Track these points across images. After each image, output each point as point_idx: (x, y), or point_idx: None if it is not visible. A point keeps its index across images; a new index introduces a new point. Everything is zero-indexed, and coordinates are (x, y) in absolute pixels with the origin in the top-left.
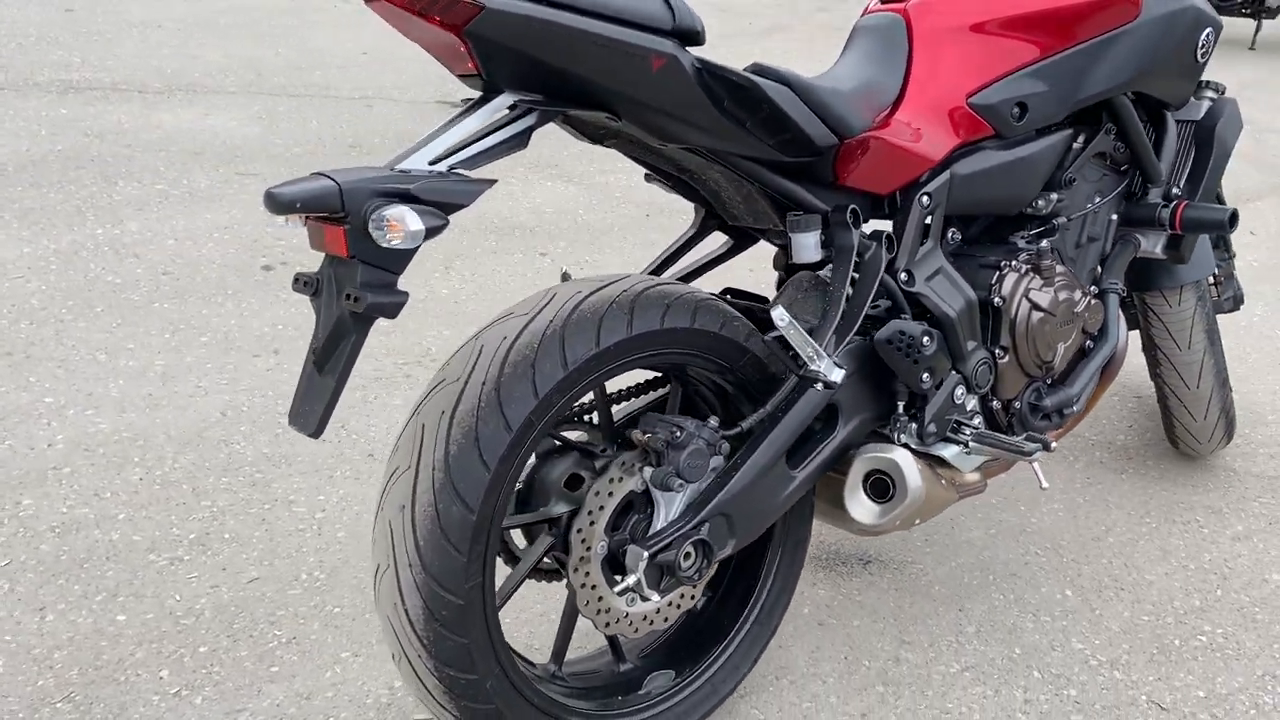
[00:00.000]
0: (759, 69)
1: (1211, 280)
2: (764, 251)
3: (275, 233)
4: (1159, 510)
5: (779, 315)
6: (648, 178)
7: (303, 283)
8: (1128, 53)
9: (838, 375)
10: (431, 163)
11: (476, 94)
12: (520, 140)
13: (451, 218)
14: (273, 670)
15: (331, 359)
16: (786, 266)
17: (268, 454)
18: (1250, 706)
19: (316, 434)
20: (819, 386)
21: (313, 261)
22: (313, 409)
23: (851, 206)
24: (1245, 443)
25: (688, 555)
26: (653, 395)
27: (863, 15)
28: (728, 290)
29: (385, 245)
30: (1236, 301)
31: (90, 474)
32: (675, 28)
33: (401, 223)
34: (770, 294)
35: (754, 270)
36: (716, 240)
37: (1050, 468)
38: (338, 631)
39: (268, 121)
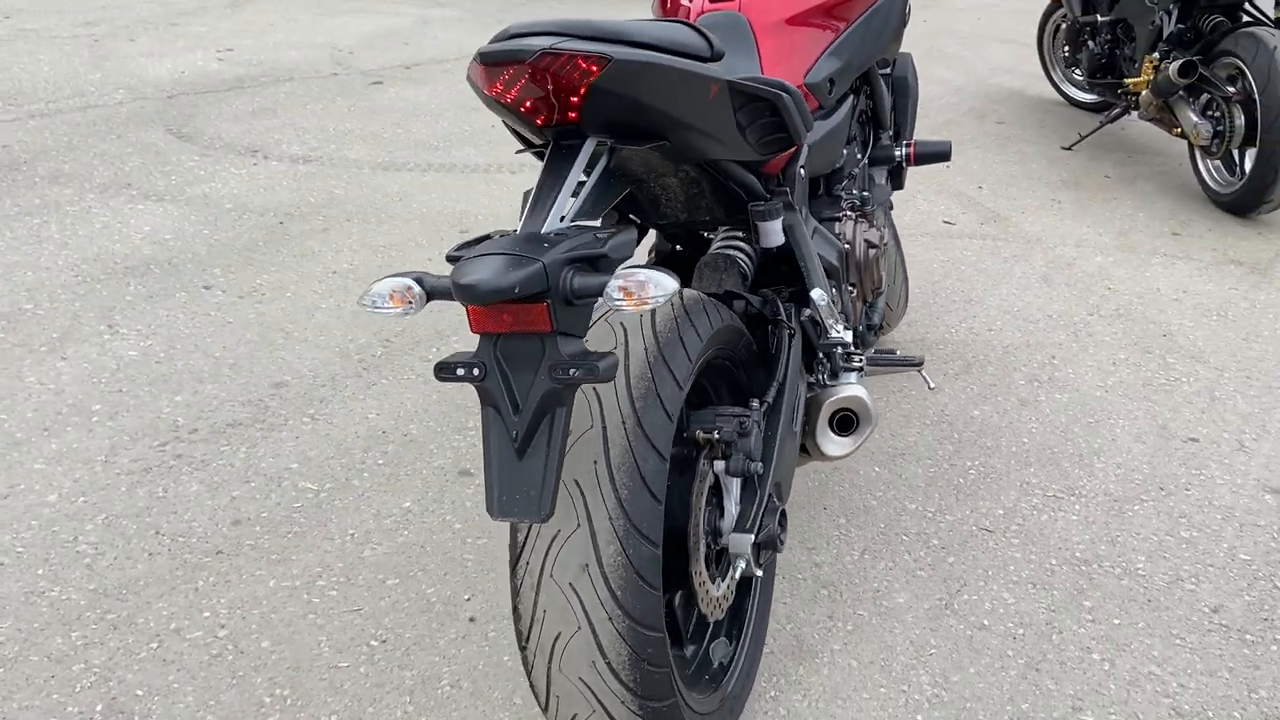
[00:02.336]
0: (756, 79)
1: None
2: None
3: None
4: (879, 385)
5: (819, 295)
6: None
7: (457, 369)
8: (881, 24)
9: (850, 337)
10: (561, 219)
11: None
12: (617, 183)
13: (69, 265)
14: None
15: (537, 437)
16: (671, 253)
17: (96, 589)
18: (1030, 510)
19: (549, 517)
20: (839, 350)
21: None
22: (533, 493)
23: (785, 187)
24: None
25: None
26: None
27: (698, 15)
28: None
29: (620, 309)
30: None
31: None
32: (713, 54)
33: (644, 287)
34: None
35: None
36: None
37: None
38: None
39: None
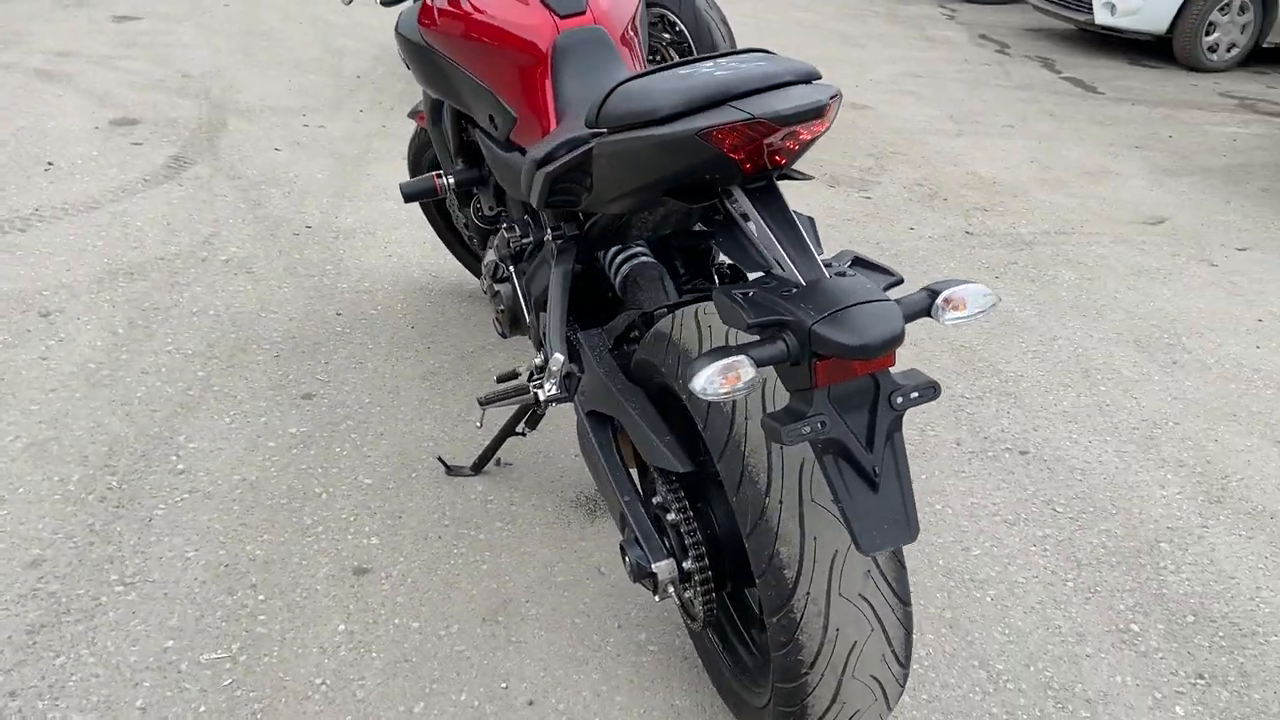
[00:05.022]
0: None
1: None
2: None
3: None
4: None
5: None
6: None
7: (803, 429)
8: (645, 24)
9: None
10: (826, 263)
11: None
12: (798, 213)
13: None
14: None
15: (886, 465)
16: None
17: None
18: None
19: (915, 536)
20: None
21: None
22: (898, 518)
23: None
24: None
25: None
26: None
27: (555, 33)
28: None
29: (948, 325)
30: None
31: None
32: None
33: (965, 301)
34: None
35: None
36: None
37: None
38: None
39: None
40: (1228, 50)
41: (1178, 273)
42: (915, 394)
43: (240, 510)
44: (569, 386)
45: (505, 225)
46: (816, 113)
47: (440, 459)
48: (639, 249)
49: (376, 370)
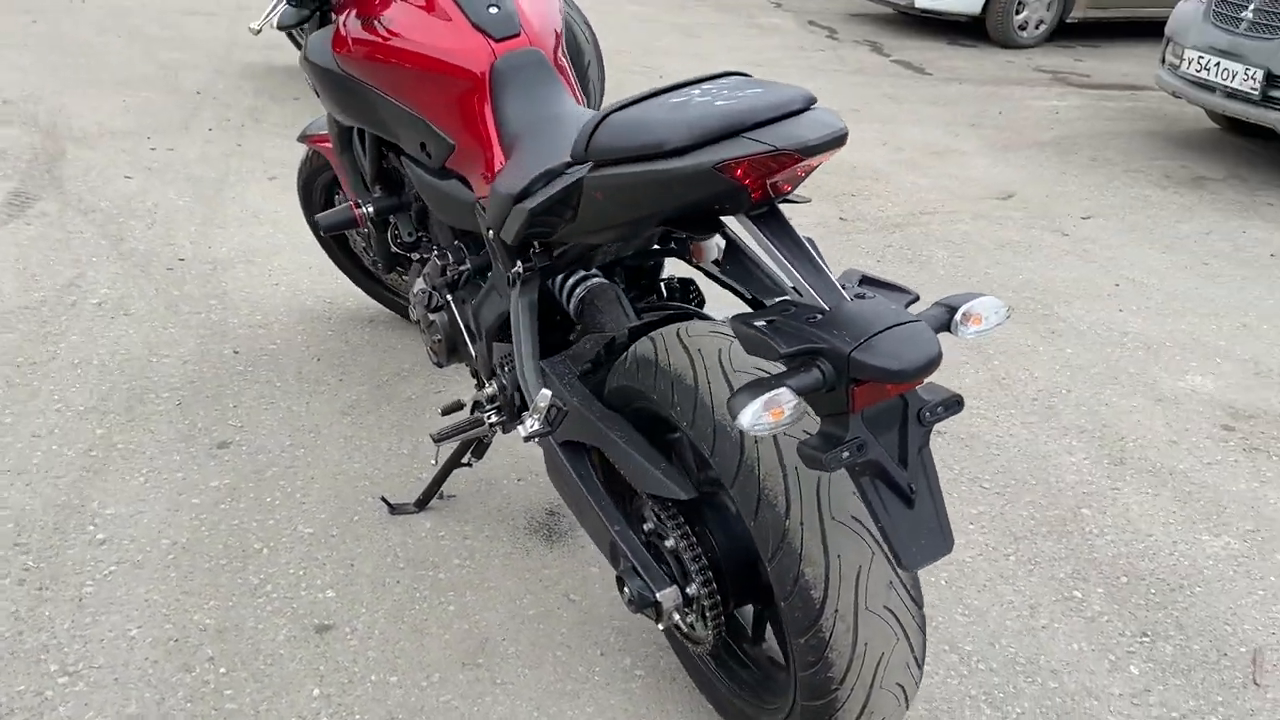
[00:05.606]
0: None
1: None
2: None
3: None
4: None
5: None
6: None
7: (844, 453)
8: None
9: None
10: (841, 284)
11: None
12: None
13: None
14: None
15: (919, 480)
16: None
17: None
18: None
19: (952, 547)
20: None
21: None
22: (932, 531)
23: None
24: None
25: None
26: None
27: (493, 57)
28: None
29: (967, 338)
30: None
31: None
32: None
33: (985, 312)
34: None
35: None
36: None
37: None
38: None
39: None
40: (1036, 27)
41: (1036, 245)
42: (942, 409)
43: (178, 577)
44: (552, 420)
45: (436, 253)
46: (839, 141)
47: (383, 498)
48: (589, 270)
49: (291, 409)
